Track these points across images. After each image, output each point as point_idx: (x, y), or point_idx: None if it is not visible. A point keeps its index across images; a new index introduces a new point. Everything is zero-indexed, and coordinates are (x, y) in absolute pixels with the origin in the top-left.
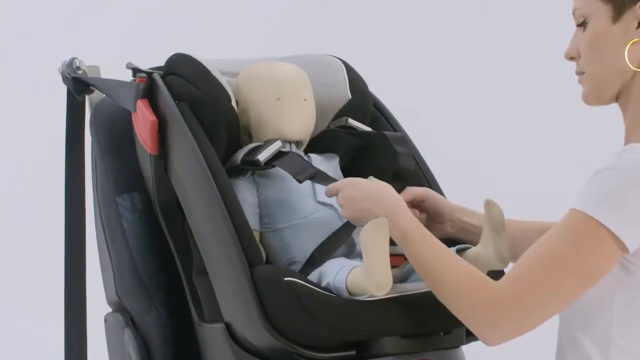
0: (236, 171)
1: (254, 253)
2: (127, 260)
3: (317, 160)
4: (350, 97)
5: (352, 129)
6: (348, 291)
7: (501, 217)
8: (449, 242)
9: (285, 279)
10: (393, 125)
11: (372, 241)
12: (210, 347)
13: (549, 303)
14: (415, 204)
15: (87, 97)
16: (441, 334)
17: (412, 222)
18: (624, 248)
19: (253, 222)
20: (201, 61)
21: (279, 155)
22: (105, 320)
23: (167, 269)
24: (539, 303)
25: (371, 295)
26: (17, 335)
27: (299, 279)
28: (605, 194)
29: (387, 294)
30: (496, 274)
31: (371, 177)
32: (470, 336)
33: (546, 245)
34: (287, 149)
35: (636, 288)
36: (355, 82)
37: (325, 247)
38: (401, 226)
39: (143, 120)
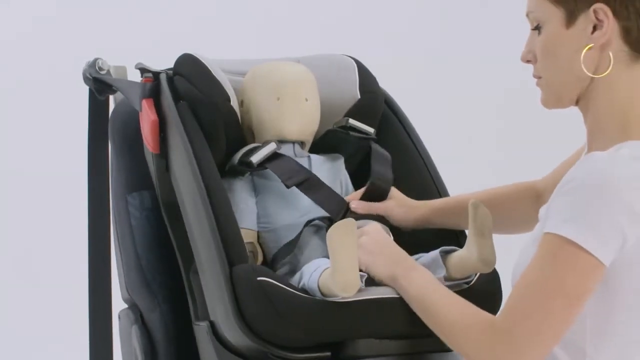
0: (235, 171)
1: (237, 252)
2: (133, 257)
3: (319, 161)
4: (359, 97)
5: (353, 129)
6: (320, 292)
7: (486, 219)
8: (435, 244)
9: (258, 278)
10: (404, 124)
11: (339, 241)
12: (200, 345)
13: (543, 331)
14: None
15: (112, 97)
16: (422, 337)
17: (417, 271)
18: (599, 263)
19: (250, 222)
20: (204, 61)
21: (274, 157)
22: (119, 317)
23: (171, 267)
24: (532, 332)
25: (344, 297)
26: (42, 333)
27: (273, 279)
28: (571, 210)
29: (361, 296)
30: (486, 277)
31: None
32: None
33: (528, 273)
34: (288, 149)
35: (607, 299)
36: (366, 81)
37: (289, 245)
38: (417, 272)
39: (146, 120)
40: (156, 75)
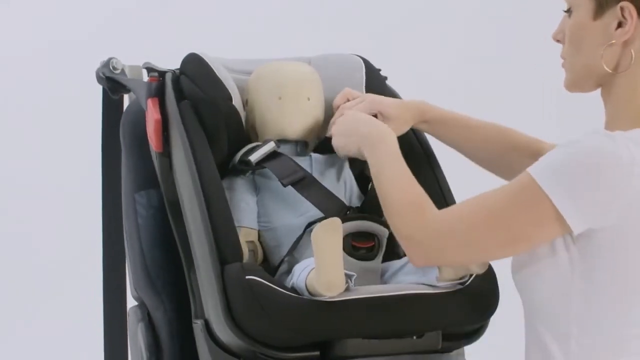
0: (237, 170)
1: (231, 251)
2: (139, 255)
3: (321, 161)
4: None
5: None
6: (308, 291)
7: None
8: None
9: (247, 277)
10: None
11: (323, 241)
12: (197, 343)
13: (471, 244)
14: None
15: (126, 96)
16: (414, 337)
17: (394, 147)
18: (565, 226)
19: (250, 221)
20: (208, 61)
21: (272, 156)
22: (128, 314)
23: (175, 266)
24: (462, 240)
25: (330, 297)
26: (59, 330)
27: (262, 278)
28: (561, 169)
29: (348, 295)
30: (482, 275)
31: None
32: (449, 341)
33: (491, 194)
34: (290, 148)
35: (591, 277)
36: (372, 81)
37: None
38: (385, 148)
39: (150, 118)
40: (162, 74)
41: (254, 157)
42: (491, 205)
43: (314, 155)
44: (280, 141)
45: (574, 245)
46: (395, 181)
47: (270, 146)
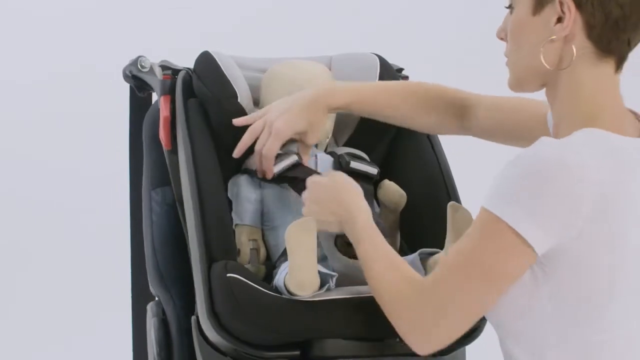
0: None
1: (220, 249)
2: (151, 252)
3: (326, 161)
4: None
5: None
6: (287, 291)
7: (465, 222)
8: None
9: (228, 275)
10: None
11: (296, 241)
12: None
13: (463, 303)
14: None
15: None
16: (397, 339)
17: (366, 224)
18: (529, 246)
19: (252, 220)
20: (217, 59)
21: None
22: (146, 310)
23: (185, 262)
24: (452, 304)
25: (305, 296)
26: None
27: (244, 276)
28: (507, 189)
29: (327, 295)
30: None
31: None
32: None
33: (459, 244)
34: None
35: (557, 292)
36: (385, 78)
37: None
38: (358, 228)
39: (161, 116)
40: (175, 72)
41: (276, 169)
42: (462, 256)
43: (320, 154)
44: (289, 140)
45: (536, 263)
46: (382, 264)
47: (292, 159)
